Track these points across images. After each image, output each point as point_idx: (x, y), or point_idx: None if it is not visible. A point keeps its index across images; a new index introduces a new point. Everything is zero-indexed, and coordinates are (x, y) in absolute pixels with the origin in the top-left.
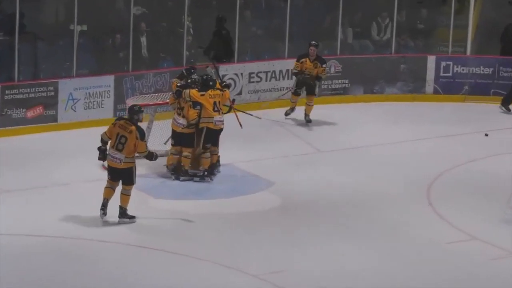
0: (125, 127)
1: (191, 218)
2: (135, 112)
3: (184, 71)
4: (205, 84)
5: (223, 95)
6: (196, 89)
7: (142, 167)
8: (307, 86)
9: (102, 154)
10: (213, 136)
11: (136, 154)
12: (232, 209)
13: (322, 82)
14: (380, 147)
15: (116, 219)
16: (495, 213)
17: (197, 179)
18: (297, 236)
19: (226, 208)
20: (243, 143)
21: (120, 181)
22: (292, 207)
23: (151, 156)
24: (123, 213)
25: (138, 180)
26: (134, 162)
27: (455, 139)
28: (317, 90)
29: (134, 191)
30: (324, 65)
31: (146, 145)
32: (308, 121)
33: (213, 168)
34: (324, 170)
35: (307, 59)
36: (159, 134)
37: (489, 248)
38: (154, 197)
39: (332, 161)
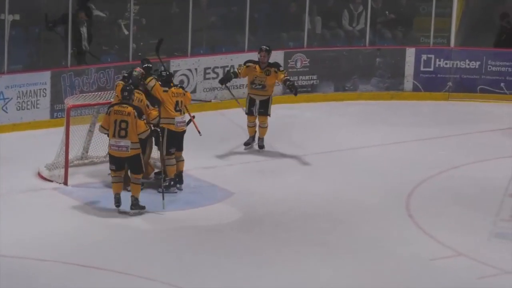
0: (122, 111)
1: (141, 234)
2: (128, 92)
3: (126, 73)
4: (167, 81)
5: (185, 96)
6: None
7: (84, 175)
8: (260, 104)
9: None
10: (175, 139)
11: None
12: (186, 223)
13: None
14: (354, 152)
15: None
16: (483, 225)
17: (161, 190)
18: (260, 253)
19: (179, 222)
20: (197, 147)
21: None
22: (254, 221)
23: (155, 133)
24: (136, 204)
25: (79, 190)
26: (140, 148)
27: (437, 142)
28: (270, 109)
29: (76, 203)
30: (281, 69)
31: (145, 123)
32: (261, 147)
33: (180, 177)
34: (291, 178)
35: (257, 65)
36: (102, 138)
37: (476, 265)
38: (98, 209)
39: (300, 168)
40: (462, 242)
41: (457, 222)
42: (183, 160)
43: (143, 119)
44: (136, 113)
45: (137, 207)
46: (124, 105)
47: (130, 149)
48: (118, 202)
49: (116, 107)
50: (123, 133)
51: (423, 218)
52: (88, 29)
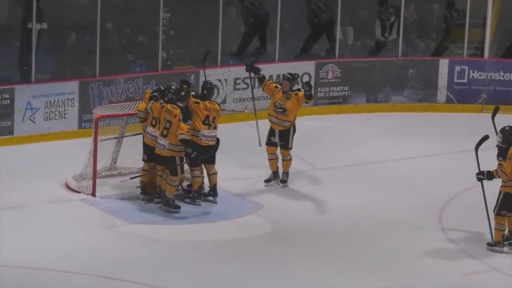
0: (171, 111)
1: (167, 246)
2: (181, 98)
3: (162, 87)
4: (205, 94)
5: (217, 113)
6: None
7: (112, 186)
8: (280, 135)
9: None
10: (199, 152)
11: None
12: (214, 236)
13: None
14: (385, 165)
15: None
16: None
17: (188, 200)
18: (288, 267)
19: (207, 235)
20: (225, 158)
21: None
22: (282, 234)
23: (187, 142)
24: (166, 202)
25: (107, 202)
26: (177, 152)
27: (470, 155)
28: (292, 142)
29: (103, 214)
30: (302, 90)
31: (188, 129)
32: (283, 182)
33: (214, 190)
34: (321, 191)
35: (281, 91)
36: (131, 149)
37: (509, 280)
38: (126, 221)
39: (330, 181)
40: (495, 257)
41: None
42: (216, 173)
43: (188, 125)
44: (181, 117)
45: (168, 206)
46: (175, 107)
47: (167, 149)
48: (142, 190)
49: (168, 106)
50: (165, 132)
51: (455, 232)
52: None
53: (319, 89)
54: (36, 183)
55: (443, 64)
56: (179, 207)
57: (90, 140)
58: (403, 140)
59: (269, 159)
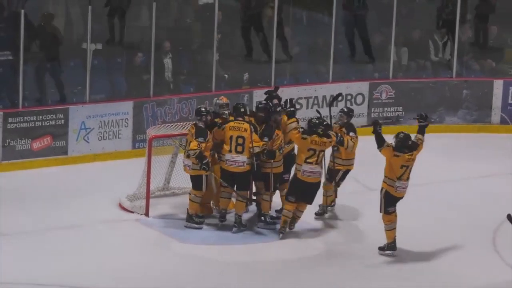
0: (239, 127)
1: (222, 266)
2: (240, 113)
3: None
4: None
5: (247, 132)
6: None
7: (165, 207)
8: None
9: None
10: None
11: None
12: (268, 257)
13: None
14: (440, 185)
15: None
16: None
17: (261, 224)
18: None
19: (261, 255)
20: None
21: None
22: (338, 254)
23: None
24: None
25: (161, 222)
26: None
27: None
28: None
29: (157, 234)
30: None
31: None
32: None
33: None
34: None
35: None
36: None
37: None
38: (180, 241)
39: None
40: None
41: None
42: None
43: (198, 140)
44: (252, 129)
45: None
46: (241, 121)
47: (246, 164)
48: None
49: (232, 124)
50: (240, 148)
51: (510, 254)
52: (172, 60)
53: (372, 109)
54: (90, 203)
55: (498, 85)
56: (202, 223)
57: (143, 160)
58: (457, 161)
59: (326, 194)
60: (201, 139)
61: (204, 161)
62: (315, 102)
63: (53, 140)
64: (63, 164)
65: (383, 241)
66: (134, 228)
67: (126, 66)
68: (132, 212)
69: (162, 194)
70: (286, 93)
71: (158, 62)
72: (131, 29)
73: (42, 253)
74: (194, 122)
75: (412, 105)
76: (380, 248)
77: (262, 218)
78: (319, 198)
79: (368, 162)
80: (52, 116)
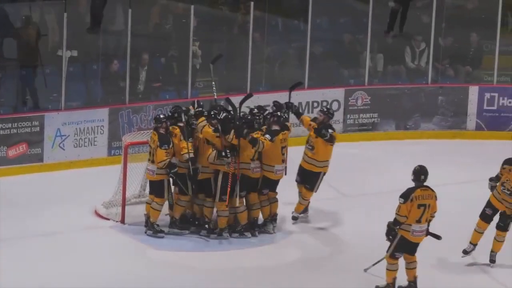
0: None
1: (198, 273)
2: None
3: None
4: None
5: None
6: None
7: (141, 214)
8: (308, 175)
9: None
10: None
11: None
12: (244, 263)
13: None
14: None
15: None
16: None
17: (236, 234)
18: None
19: (237, 262)
20: None
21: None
22: (313, 261)
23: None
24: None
25: (136, 229)
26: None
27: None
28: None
29: (132, 241)
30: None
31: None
32: (294, 219)
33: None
34: (350, 218)
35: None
36: None
37: None
38: (155, 248)
39: (359, 208)
40: None
41: None
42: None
43: (164, 149)
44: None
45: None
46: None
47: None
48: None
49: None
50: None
51: (486, 260)
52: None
53: (348, 116)
54: (65, 210)
55: (473, 91)
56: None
57: (119, 167)
58: (433, 168)
59: (302, 202)
60: (165, 147)
61: (173, 170)
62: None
63: (28, 147)
64: (38, 172)
65: (360, 247)
66: (110, 235)
67: (102, 73)
68: (108, 219)
69: (138, 201)
70: (261, 99)
71: (134, 69)
72: (107, 35)
73: (17, 261)
74: (154, 129)
75: (387, 111)
76: None
77: (206, 226)
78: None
79: (342, 168)
80: (27, 124)
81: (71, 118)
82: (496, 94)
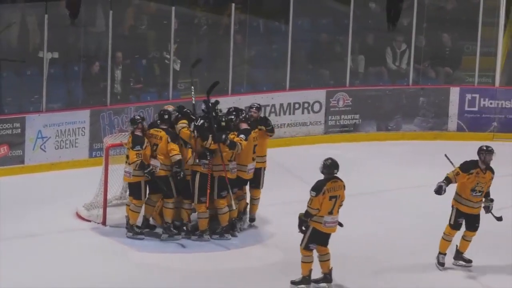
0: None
1: (179, 275)
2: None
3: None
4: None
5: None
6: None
7: (122, 215)
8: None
9: None
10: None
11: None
12: (226, 265)
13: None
14: (397, 193)
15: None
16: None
17: (216, 236)
18: None
19: (219, 264)
20: None
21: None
22: (296, 262)
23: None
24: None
25: (118, 231)
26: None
27: None
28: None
29: (114, 243)
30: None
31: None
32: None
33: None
34: None
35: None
36: None
37: None
38: (136, 250)
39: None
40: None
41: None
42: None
43: (136, 150)
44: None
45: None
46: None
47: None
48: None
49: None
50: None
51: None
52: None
53: (330, 117)
54: (47, 212)
55: (454, 92)
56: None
57: (100, 169)
58: (414, 169)
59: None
60: (138, 148)
61: (146, 170)
62: (273, 110)
63: (9, 149)
64: (19, 173)
65: (342, 248)
66: (91, 237)
67: (83, 74)
68: (89, 221)
69: (119, 203)
70: (243, 101)
71: (114, 70)
72: (88, 37)
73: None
74: (131, 131)
75: (369, 112)
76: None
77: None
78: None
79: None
80: (8, 125)
81: (52, 120)
82: (477, 95)
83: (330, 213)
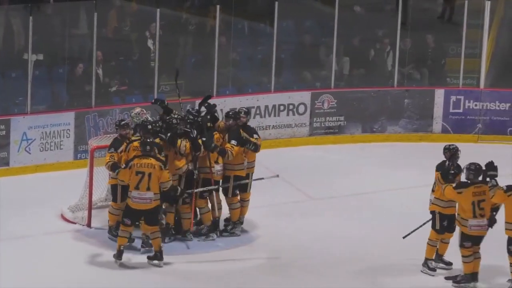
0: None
1: (164, 276)
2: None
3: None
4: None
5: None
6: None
7: (107, 217)
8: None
9: None
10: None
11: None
12: (209, 267)
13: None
14: (382, 194)
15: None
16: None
17: (202, 237)
18: None
19: (203, 266)
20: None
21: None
22: (281, 265)
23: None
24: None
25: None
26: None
27: None
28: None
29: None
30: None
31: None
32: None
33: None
34: (318, 221)
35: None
36: None
37: None
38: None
39: (327, 211)
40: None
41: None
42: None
43: (109, 152)
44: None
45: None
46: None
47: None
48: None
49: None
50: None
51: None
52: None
53: (314, 119)
54: (32, 214)
55: (439, 94)
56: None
57: (85, 171)
58: (399, 170)
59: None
60: (111, 150)
61: (115, 170)
62: (258, 111)
63: None
64: (4, 175)
65: (328, 249)
66: (76, 239)
67: (68, 76)
68: (74, 223)
69: (104, 205)
70: (228, 102)
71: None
72: (72, 39)
73: None
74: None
75: (354, 114)
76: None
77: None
78: None
79: (309, 171)
80: None
81: (37, 122)
82: (462, 97)
83: (136, 188)
